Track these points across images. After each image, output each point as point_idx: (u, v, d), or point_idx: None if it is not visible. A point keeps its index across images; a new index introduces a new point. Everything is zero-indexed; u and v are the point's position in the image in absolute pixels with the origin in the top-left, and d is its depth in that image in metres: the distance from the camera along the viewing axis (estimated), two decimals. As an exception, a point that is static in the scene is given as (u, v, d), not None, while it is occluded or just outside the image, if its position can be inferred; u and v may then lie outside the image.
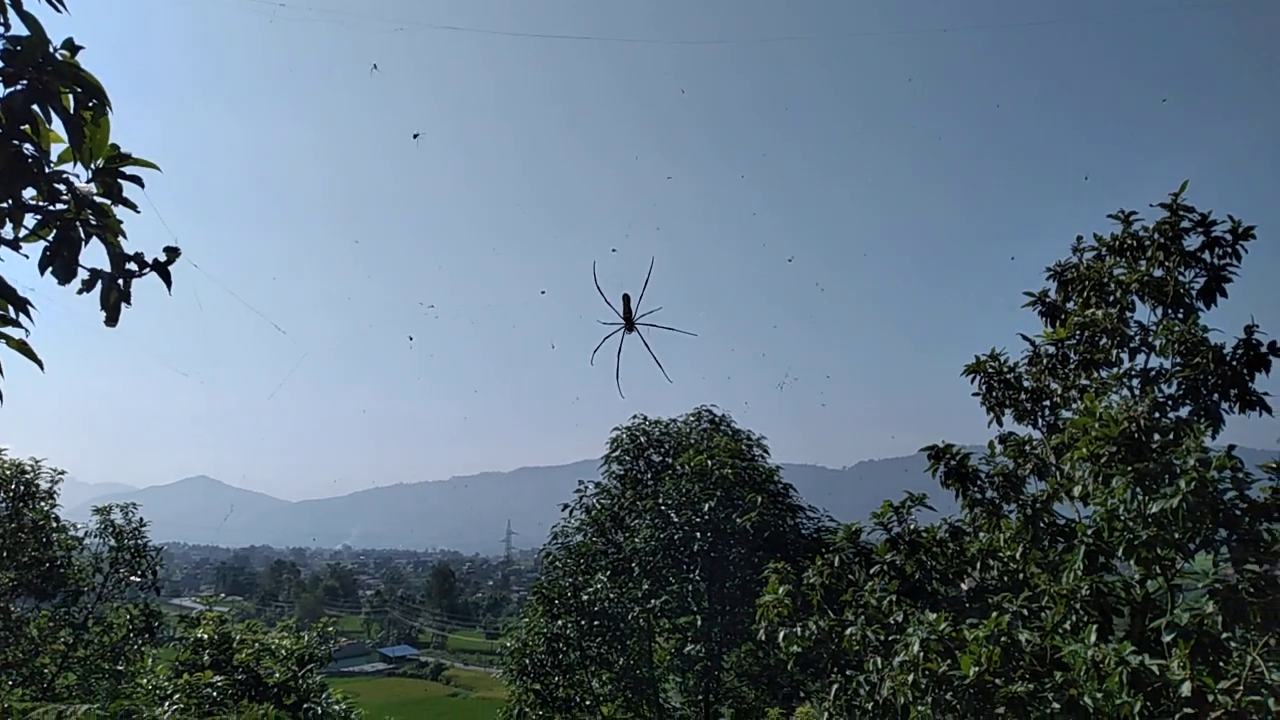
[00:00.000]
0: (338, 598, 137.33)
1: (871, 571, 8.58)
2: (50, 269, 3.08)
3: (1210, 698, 5.54)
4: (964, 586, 8.51)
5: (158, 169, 3.24)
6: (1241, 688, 5.53)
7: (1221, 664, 5.81)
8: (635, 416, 19.86)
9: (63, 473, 15.56)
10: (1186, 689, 5.55)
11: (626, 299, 8.27)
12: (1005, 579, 8.12)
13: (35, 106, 2.93)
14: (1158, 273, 8.67)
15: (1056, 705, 5.93)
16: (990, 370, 9.36)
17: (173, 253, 3.30)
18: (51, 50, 2.94)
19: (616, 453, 19.54)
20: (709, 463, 16.55)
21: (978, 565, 8.32)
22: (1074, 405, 8.69)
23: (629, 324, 8.26)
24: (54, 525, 15.35)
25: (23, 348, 3.10)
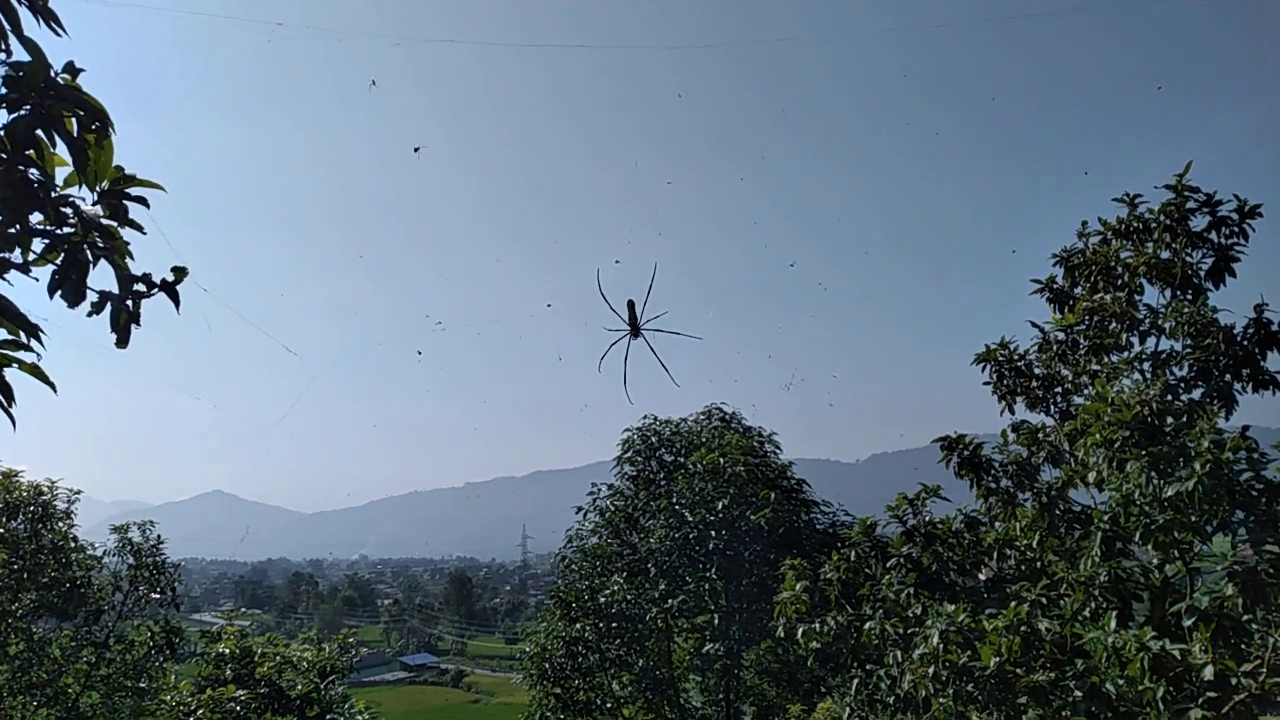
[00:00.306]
0: (356, 608, 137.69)
1: (888, 565, 8.55)
2: (59, 292, 3.10)
3: (1233, 681, 5.51)
4: (982, 577, 8.49)
5: (162, 189, 3.25)
6: (1265, 670, 5.50)
7: (1243, 646, 5.78)
8: (646, 417, 19.89)
9: (79, 492, 15.66)
10: (1209, 673, 5.51)
11: (631, 305, 8.29)
12: (1023, 568, 8.09)
13: (39, 131, 2.95)
14: (1165, 255, 8.62)
15: (1078, 693, 5.90)
16: (1000, 358, 9.33)
17: (180, 272, 3.32)
18: (53, 74, 2.96)
19: (628, 454, 19.56)
20: (721, 460, 16.54)
21: (995, 555, 8.29)
22: (1086, 391, 8.65)
23: (635, 330, 8.28)
24: (73, 545, 15.45)
25: (35, 371, 3.13)
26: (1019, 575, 8.02)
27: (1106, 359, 8.58)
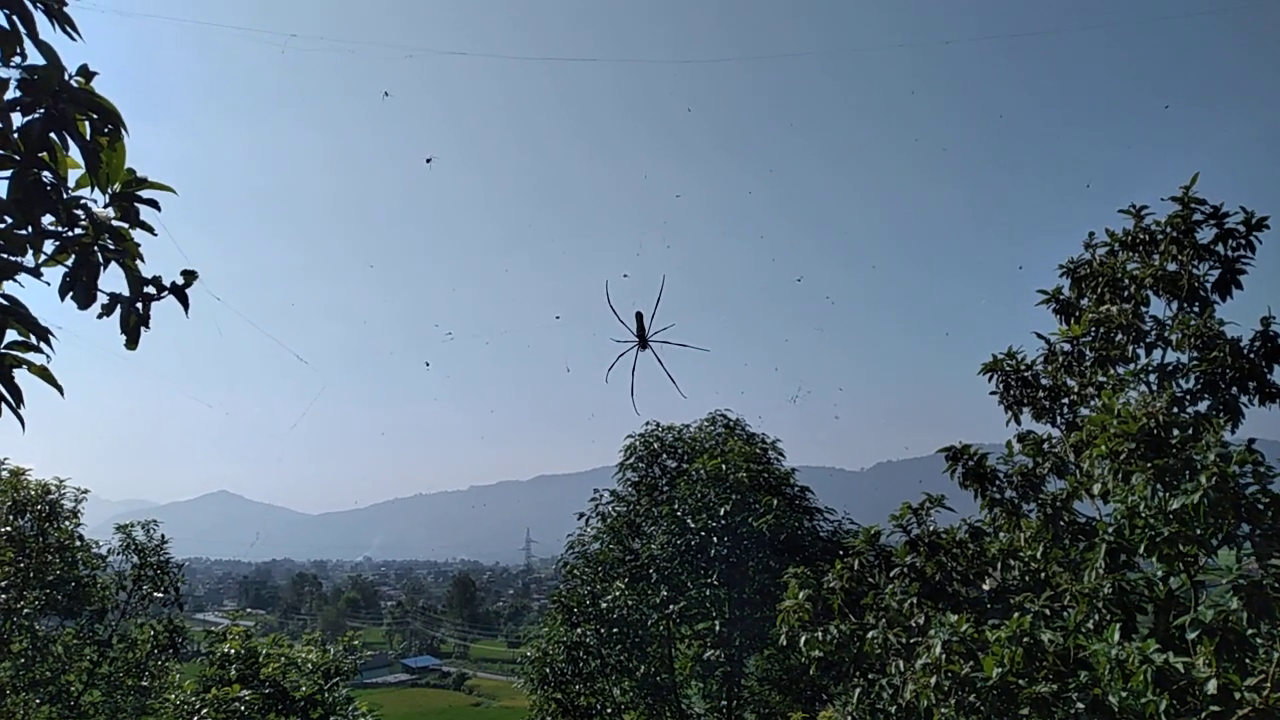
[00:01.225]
0: (359, 609, 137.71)
1: (891, 574, 8.54)
2: (70, 294, 3.13)
3: (1236, 695, 5.49)
4: (985, 587, 8.46)
5: (173, 192, 3.28)
6: (1268, 684, 5.48)
7: (1247, 661, 5.75)
8: (649, 423, 19.85)
9: (86, 492, 15.72)
10: (1212, 687, 5.49)
11: (639, 317, 8.32)
12: (1026, 579, 8.07)
13: (52, 134, 2.98)
14: (1171, 266, 8.61)
15: (1081, 705, 5.89)
16: (1007, 369, 9.32)
17: (190, 276, 3.34)
18: (67, 77, 2.98)
19: (631, 459, 19.52)
20: (724, 467, 16.52)
21: (998, 565, 8.27)
22: (1092, 402, 8.63)
23: (642, 341, 8.30)
24: (78, 544, 15.51)
25: (44, 373, 3.15)
26: (1023, 586, 8.00)
27: (1113, 371, 8.57)
